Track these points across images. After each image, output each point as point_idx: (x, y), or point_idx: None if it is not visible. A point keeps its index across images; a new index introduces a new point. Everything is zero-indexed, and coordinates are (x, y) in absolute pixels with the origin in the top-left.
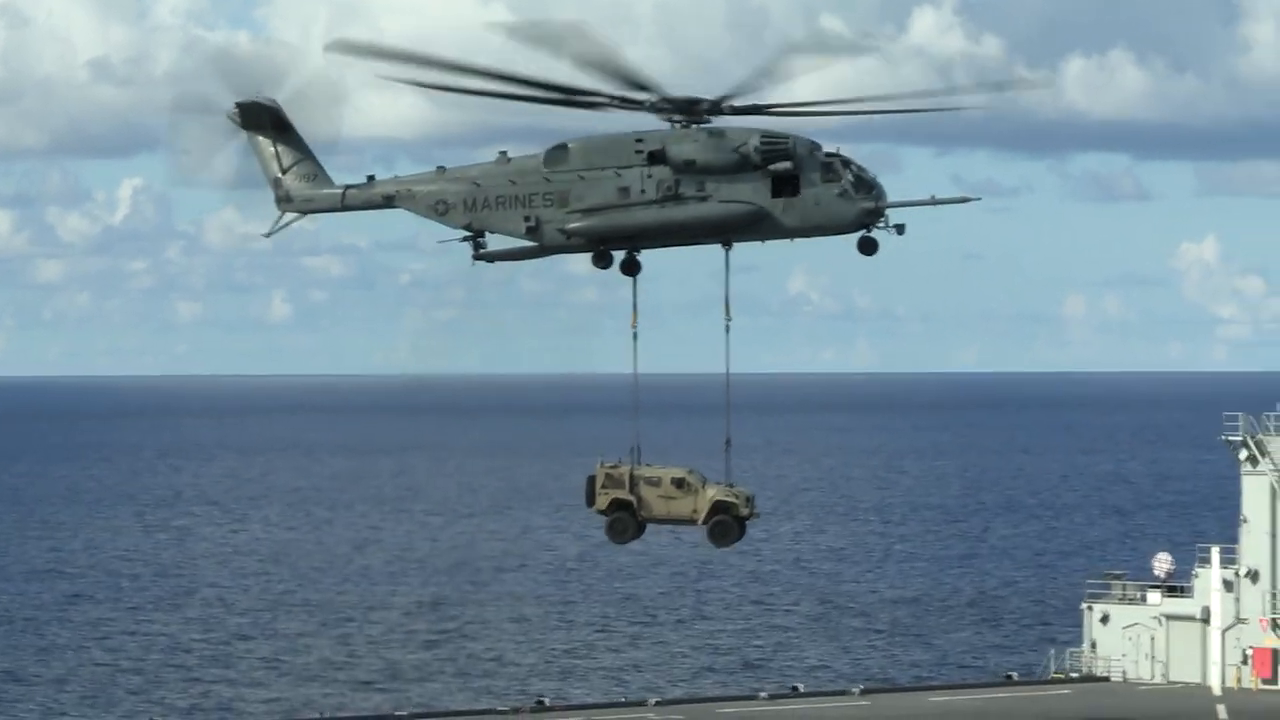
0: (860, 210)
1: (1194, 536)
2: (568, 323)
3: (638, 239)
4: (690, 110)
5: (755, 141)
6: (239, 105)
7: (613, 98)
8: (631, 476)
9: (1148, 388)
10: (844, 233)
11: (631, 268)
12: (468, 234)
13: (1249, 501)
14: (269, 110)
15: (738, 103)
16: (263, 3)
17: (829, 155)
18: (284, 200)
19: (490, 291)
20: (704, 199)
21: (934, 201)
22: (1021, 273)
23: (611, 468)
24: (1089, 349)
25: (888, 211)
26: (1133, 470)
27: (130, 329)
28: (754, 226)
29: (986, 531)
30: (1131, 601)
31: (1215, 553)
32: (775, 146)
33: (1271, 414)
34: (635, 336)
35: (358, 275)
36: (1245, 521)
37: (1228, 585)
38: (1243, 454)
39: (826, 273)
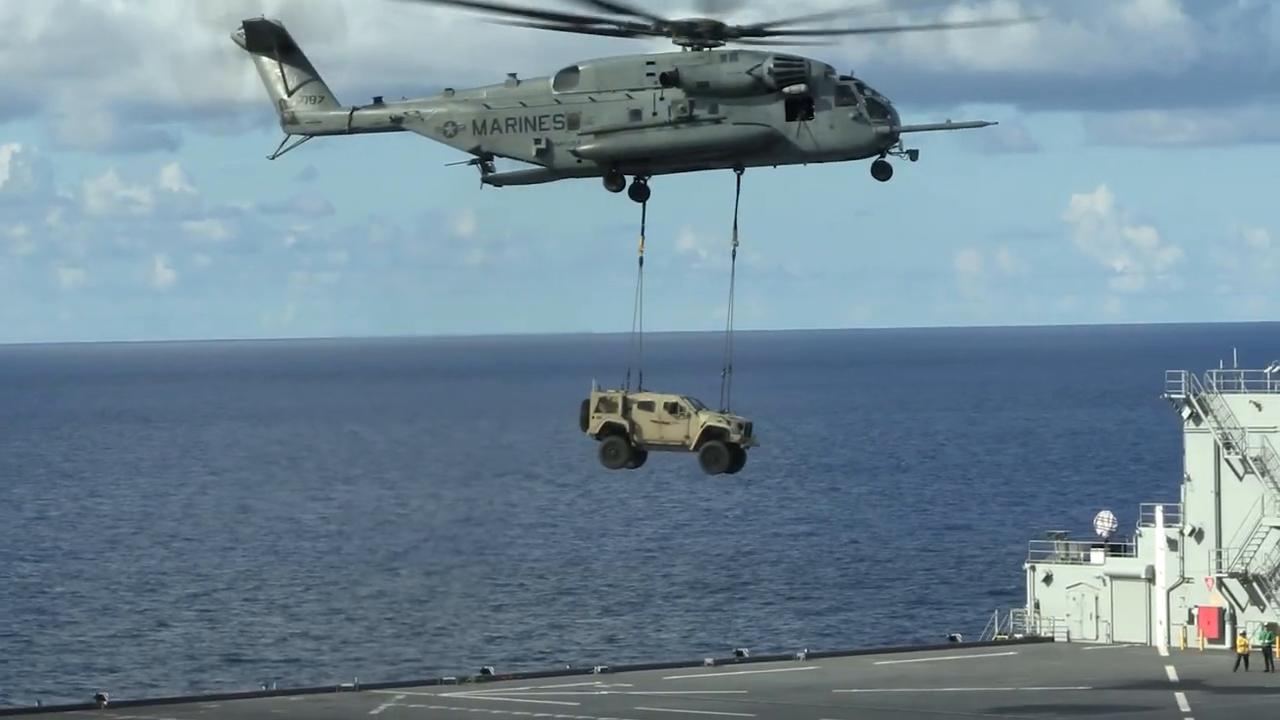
0: (875, 134)
1: (1120, 493)
2: (456, 284)
3: (650, 161)
4: (698, 34)
5: (770, 64)
6: (245, 25)
7: (621, 24)
8: (625, 401)
9: (1046, 342)
10: (858, 157)
11: (640, 193)
12: (476, 157)
13: (1192, 460)
14: (275, 30)
15: (744, 25)
16: None
17: (844, 79)
18: (290, 122)
19: (378, 254)
20: (718, 121)
21: (950, 126)
22: (913, 228)
23: (605, 393)
24: (981, 304)
25: (901, 136)
26: (1053, 427)
27: (13, 296)
28: (767, 149)
29: (904, 490)
30: (1075, 561)
31: (1159, 511)
32: (790, 69)
33: (1215, 371)
34: (641, 262)
35: (240, 239)
36: (1189, 480)
37: (1172, 544)
38: (1185, 412)
39: (716, 231)
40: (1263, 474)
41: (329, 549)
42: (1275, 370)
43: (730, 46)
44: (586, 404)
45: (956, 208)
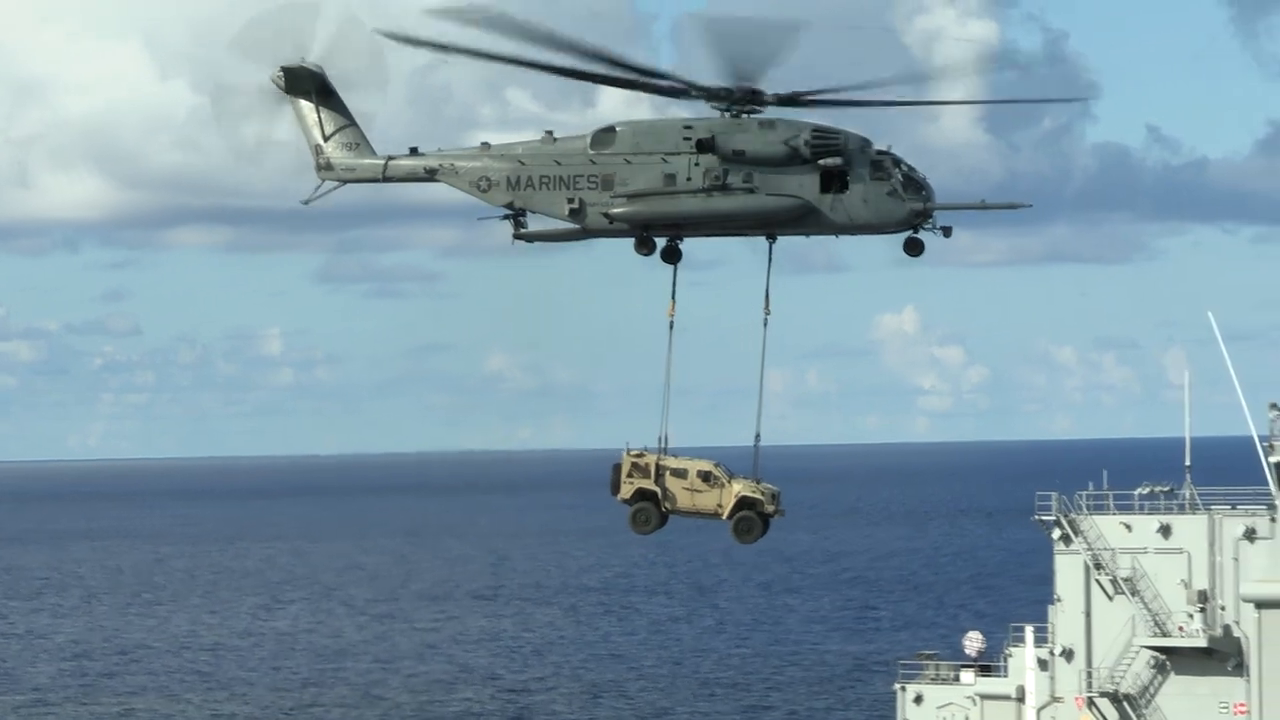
0: (909, 210)
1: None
2: (263, 404)
3: (682, 227)
4: (736, 100)
5: (806, 135)
6: (284, 69)
7: (660, 86)
8: (657, 466)
9: (856, 460)
10: (891, 232)
11: (673, 255)
12: (509, 213)
13: (1062, 580)
14: (314, 75)
15: (784, 93)
16: None
17: (880, 153)
18: (325, 168)
19: (184, 374)
20: (751, 191)
21: (984, 205)
22: (721, 347)
23: (637, 456)
24: (788, 422)
25: (935, 213)
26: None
27: None
28: (800, 221)
29: (765, 611)
30: (945, 681)
31: (1029, 631)
32: (826, 141)
33: (1084, 492)
34: (671, 325)
35: (48, 359)
36: (1059, 600)
37: (1042, 664)
38: (1056, 533)
39: (525, 350)
40: (1133, 594)
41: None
42: (1144, 492)
43: (768, 114)
44: (618, 468)
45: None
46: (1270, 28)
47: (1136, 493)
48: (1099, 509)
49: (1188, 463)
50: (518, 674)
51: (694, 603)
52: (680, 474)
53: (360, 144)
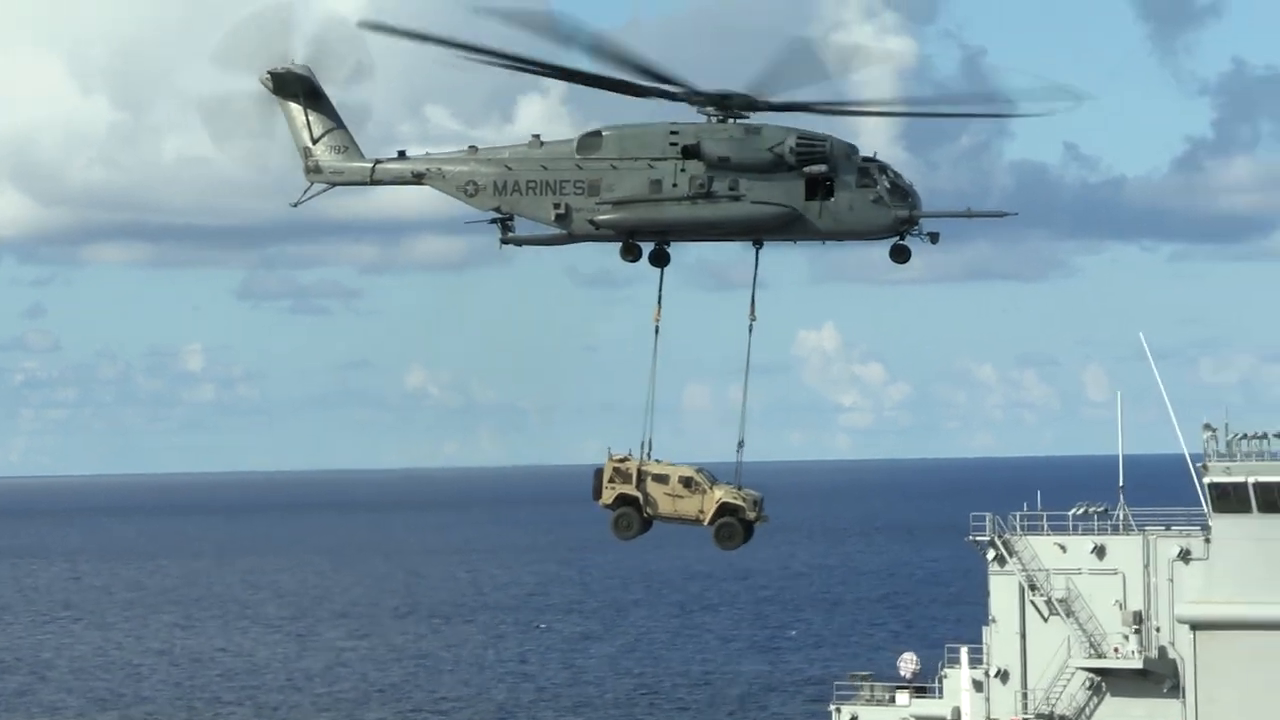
0: (894, 218)
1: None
2: (185, 420)
3: (667, 234)
4: (727, 105)
5: (791, 142)
6: (271, 73)
7: (649, 87)
8: (639, 472)
9: (779, 478)
10: (876, 239)
11: (660, 259)
12: (496, 216)
13: (997, 601)
14: (301, 78)
15: (776, 99)
16: None
17: (866, 160)
18: (313, 171)
19: (106, 391)
20: (736, 198)
21: (970, 214)
22: (641, 364)
23: (620, 461)
24: (710, 439)
25: (921, 220)
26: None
27: None
28: (786, 228)
29: (690, 629)
30: (880, 703)
31: (964, 653)
32: (811, 148)
33: (1019, 513)
34: (657, 331)
35: None
36: (993, 621)
37: (977, 685)
38: (990, 554)
39: (447, 366)
40: (1068, 615)
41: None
42: (1079, 512)
43: (755, 120)
44: (600, 473)
45: (684, 344)
46: (1188, 45)
47: (1071, 513)
48: (1033, 530)
49: (1121, 483)
50: (429, 693)
51: (610, 620)
52: (662, 479)
53: (349, 147)
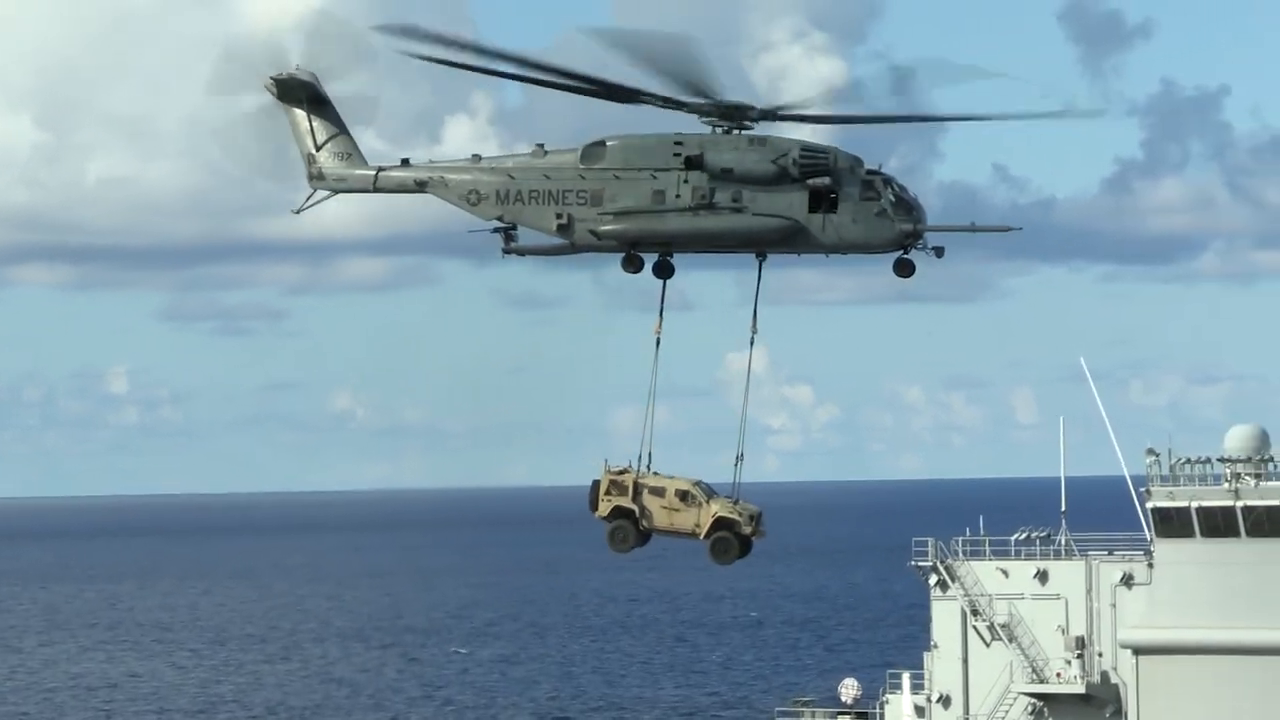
0: (898, 232)
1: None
2: (110, 443)
3: (669, 245)
4: (733, 115)
5: (795, 153)
6: (274, 79)
7: (657, 96)
8: (636, 484)
9: None
10: (880, 252)
11: (665, 270)
12: (499, 226)
13: (939, 627)
14: (305, 84)
15: (784, 110)
16: None
17: (870, 173)
18: (316, 178)
19: (30, 413)
20: (739, 210)
21: (974, 228)
22: (568, 385)
23: (617, 473)
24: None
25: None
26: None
27: None
28: (789, 241)
29: (614, 653)
30: None
31: (906, 678)
32: (814, 160)
33: (961, 538)
34: (658, 343)
35: None
36: (935, 647)
37: (919, 711)
38: (932, 579)
39: (373, 388)
40: (1010, 641)
41: None
42: (1021, 537)
43: (758, 131)
44: (597, 485)
45: (611, 366)
46: (1117, 66)
47: (1013, 539)
48: (976, 555)
49: (1063, 508)
50: (345, 716)
51: (528, 644)
52: (659, 492)
53: (352, 154)
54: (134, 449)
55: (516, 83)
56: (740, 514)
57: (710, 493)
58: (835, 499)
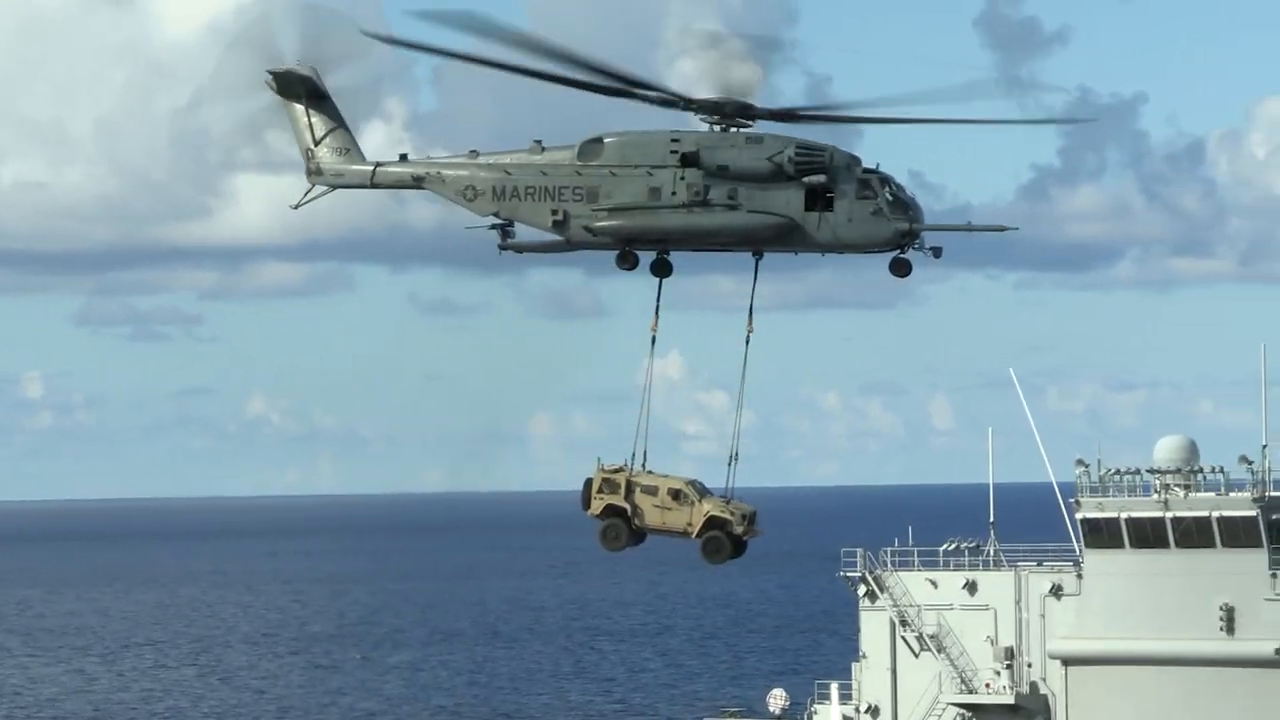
0: (895, 230)
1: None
2: (25, 448)
3: (664, 242)
4: (726, 113)
5: (790, 151)
6: (272, 73)
7: (650, 97)
8: (629, 483)
9: None
10: (876, 252)
11: (662, 269)
12: (495, 222)
13: (867, 637)
14: (304, 78)
15: (774, 108)
16: None
17: (867, 171)
18: (315, 173)
19: None
20: (734, 208)
21: (970, 227)
22: (484, 392)
23: (611, 471)
24: (556, 467)
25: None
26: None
27: None
28: (784, 239)
29: (535, 660)
30: None
31: (834, 689)
32: (811, 158)
33: (889, 549)
34: (654, 341)
35: None
36: (864, 657)
37: None
38: (861, 589)
39: (288, 394)
40: (939, 651)
41: None
42: (950, 548)
43: (756, 129)
44: (589, 482)
45: (529, 371)
46: (1034, 72)
47: (942, 549)
48: (904, 565)
49: (991, 518)
50: None
51: (434, 650)
52: (651, 491)
53: (350, 149)
54: (48, 454)
55: (430, 86)
56: (733, 514)
57: (704, 492)
58: (753, 504)
